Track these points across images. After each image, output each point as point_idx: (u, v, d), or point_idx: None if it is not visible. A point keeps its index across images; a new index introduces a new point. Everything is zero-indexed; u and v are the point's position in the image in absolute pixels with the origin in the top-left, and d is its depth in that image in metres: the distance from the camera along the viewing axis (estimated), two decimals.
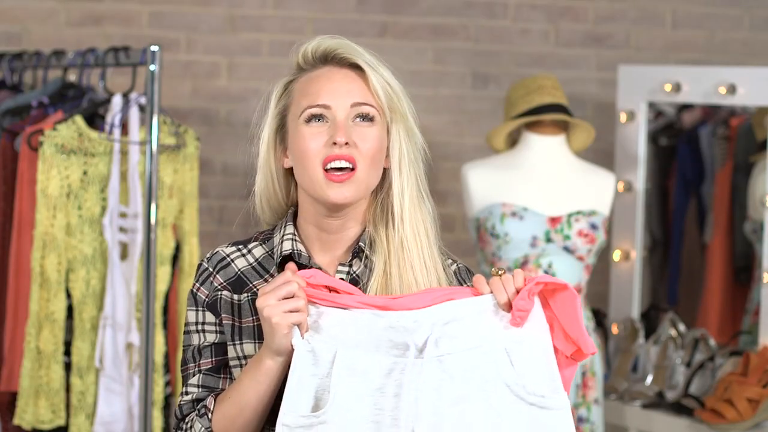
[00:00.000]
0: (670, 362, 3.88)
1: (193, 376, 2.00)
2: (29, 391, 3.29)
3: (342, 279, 1.98)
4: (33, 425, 3.31)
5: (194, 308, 2.01)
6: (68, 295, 3.32)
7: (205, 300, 2.00)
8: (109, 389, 3.34)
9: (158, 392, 3.41)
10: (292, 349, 1.86)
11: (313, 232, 2.00)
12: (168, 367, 3.47)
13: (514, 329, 1.85)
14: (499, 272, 1.86)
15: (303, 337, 1.86)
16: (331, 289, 1.87)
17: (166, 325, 3.46)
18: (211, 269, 2.01)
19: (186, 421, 1.97)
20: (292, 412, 1.84)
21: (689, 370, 3.83)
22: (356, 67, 1.96)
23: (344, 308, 1.86)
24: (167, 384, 3.47)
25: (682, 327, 4.01)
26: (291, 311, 1.84)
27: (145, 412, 3.28)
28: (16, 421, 3.32)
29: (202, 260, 2.03)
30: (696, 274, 4.56)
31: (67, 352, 3.35)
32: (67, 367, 3.35)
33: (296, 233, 2.01)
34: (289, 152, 1.99)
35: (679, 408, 3.73)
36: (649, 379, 3.89)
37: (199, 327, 2.00)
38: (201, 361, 2.00)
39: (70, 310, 3.34)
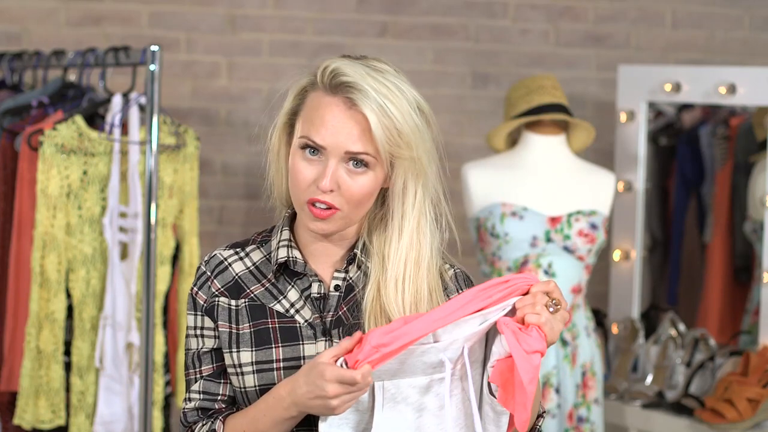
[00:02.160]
0: (670, 362, 3.88)
1: (195, 382, 2.00)
2: (29, 391, 3.29)
3: (338, 285, 1.99)
4: (33, 425, 3.31)
5: (193, 312, 2.01)
6: (68, 295, 3.32)
7: (203, 305, 2.00)
8: (109, 389, 3.34)
9: (158, 392, 3.40)
10: None
11: (307, 237, 2.01)
12: (168, 367, 3.47)
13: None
14: (552, 306, 1.85)
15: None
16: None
17: (166, 325, 3.46)
18: (209, 273, 2.01)
19: (194, 429, 1.98)
20: None
21: (689, 370, 3.83)
22: (360, 110, 1.91)
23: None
24: (167, 384, 3.47)
25: (682, 327, 4.01)
26: (339, 409, 1.83)
27: (145, 412, 3.28)
28: (16, 421, 3.32)
29: (201, 263, 2.03)
30: (696, 274, 4.56)
31: (67, 352, 3.35)
32: (67, 367, 3.35)
33: (292, 238, 2.01)
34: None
35: (679, 408, 3.73)
36: (649, 379, 3.89)
37: (198, 332, 2.01)
38: (201, 368, 2.00)
39: (70, 310, 3.34)
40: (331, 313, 1.97)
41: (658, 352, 3.93)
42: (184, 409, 2.01)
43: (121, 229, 3.35)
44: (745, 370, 3.67)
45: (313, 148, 1.92)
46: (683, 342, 3.94)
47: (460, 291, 2.04)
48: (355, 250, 1.99)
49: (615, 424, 3.87)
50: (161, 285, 3.40)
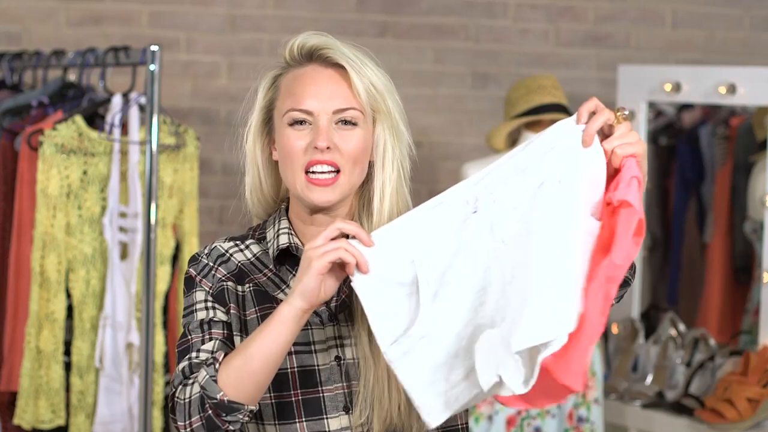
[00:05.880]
0: (670, 362, 3.88)
1: (208, 342, 1.91)
2: (29, 391, 3.29)
3: None
4: (33, 425, 3.31)
5: (195, 290, 1.97)
6: (68, 295, 3.32)
7: (210, 291, 1.96)
8: (109, 389, 3.34)
9: (158, 392, 3.41)
10: (318, 300, 1.82)
11: (304, 227, 2.00)
12: (168, 367, 3.47)
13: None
14: (623, 115, 1.81)
15: (363, 273, 1.81)
16: None
17: (166, 325, 3.46)
18: (211, 264, 1.98)
19: (190, 377, 1.88)
20: (390, 343, 1.79)
21: (689, 370, 3.83)
22: (340, 67, 1.95)
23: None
24: (167, 384, 3.47)
25: (682, 327, 4.01)
26: (329, 251, 1.79)
27: (145, 412, 3.28)
28: (16, 420, 3.32)
29: (200, 255, 1.99)
30: (696, 274, 4.56)
31: (67, 352, 3.35)
32: (67, 367, 3.35)
33: (291, 227, 2.00)
34: (276, 148, 1.99)
35: (679, 408, 3.73)
36: (649, 379, 3.89)
37: (209, 304, 1.95)
38: (212, 331, 1.93)
39: (70, 310, 3.34)
40: (335, 297, 1.96)
41: (658, 352, 3.93)
42: (188, 363, 1.89)
43: (121, 229, 3.35)
44: (745, 370, 3.67)
45: (300, 121, 1.93)
46: (683, 342, 3.94)
47: None
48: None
49: (615, 424, 3.87)
50: (161, 285, 3.40)
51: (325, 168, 1.92)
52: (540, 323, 1.68)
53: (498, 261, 1.79)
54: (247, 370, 1.82)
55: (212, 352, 1.90)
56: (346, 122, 1.94)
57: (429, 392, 1.78)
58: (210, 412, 1.83)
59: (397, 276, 1.82)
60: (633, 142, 1.79)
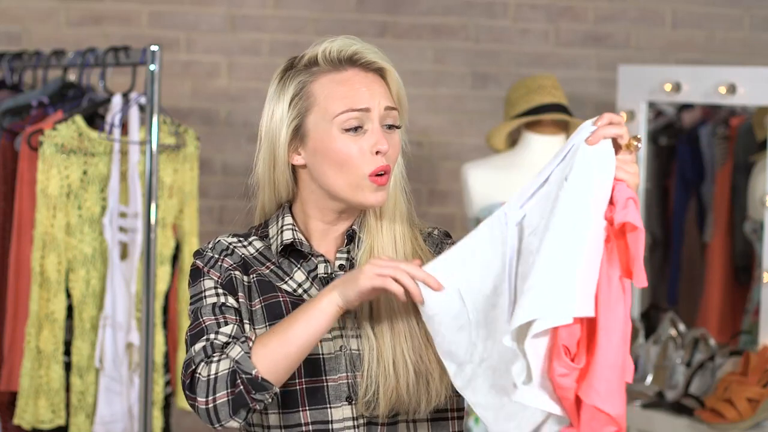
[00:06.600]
0: (670, 362, 3.88)
1: (225, 325, 1.92)
2: (29, 391, 3.29)
3: (342, 265, 2.00)
4: (33, 425, 3.31)
5: (203, 278, 1.98)
6: (68, 295, 3.32)
7: (217, 280, 1.97)
8: (109, 389, 3.34)
9: (158, 392, 3.41)
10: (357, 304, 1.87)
11: (316, 225, 2.02)
12: (168, 367, 3.47)
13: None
14: (636, 145, 1.82)
15: (419, 302, 1.86)
16: None
17: (166, 325, 3.46)
18: (216, 256, 1.99)
19: (213, 355, 1.88)
20: (454, 373, 1.85)
21: (689, 370, 3.83)
22: (377, 71, 1.99)
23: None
24: (167, 384, 3.47)
25: (682, 327, 4.01)
26: (383, 275, 1.84)
27: (145, 412, 3.29)
28: (16, 420, 3.32)
29: (204, 249, 2.00)
30: (696, 274, 4.56)
31: (67, 352, 3.35)
32: (67, 366, 3.35)
33: (295, 223, 2.02)
34: (311, 154, 1.99)
35: (679, 408, 3.73)
36: (649, 379, 3.89)
37: (219, 291, 1.96)
38: (227, 316, 1.94)
39: (70, 310, 3.34)
40: None
41: (658, 352, 3.93)
42: (209, 342, 1.90)
43: (121, 229, 3.36)
44: (745, 370, 3.67)
45: (356, 127, 1.95)
46: (683, 342, 3.94)
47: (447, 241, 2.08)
48: (353, 227, 2.00)
49: None
50: (161, 285, 3.40)
51: (382, 172, 1.96)
52: (528, 304, 1.71)
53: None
54: (284, 352, 1.85)
55: (231, 336, 1.91)
56: (390, 126, 1.98)
57: (500, 415, 1.82)
58: (241, 387, 1.85)
59: (451, 309, 1.85)
60: (630, 171, 1.80)
